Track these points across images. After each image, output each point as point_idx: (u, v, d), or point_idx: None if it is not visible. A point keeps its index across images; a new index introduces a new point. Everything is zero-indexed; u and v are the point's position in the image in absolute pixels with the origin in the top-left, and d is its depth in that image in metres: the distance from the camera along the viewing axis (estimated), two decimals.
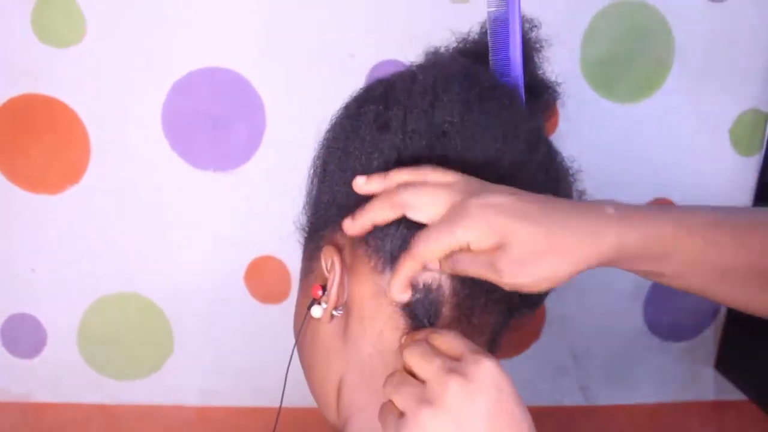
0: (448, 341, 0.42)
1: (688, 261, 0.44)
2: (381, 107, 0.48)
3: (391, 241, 0.45)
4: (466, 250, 0.42)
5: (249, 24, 0.93)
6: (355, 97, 0.53)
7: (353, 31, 0.92)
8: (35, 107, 0.94)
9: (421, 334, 0.44)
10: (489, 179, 0.45)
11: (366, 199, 0.45)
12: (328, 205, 0.50)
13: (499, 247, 0.42)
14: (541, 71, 0.57)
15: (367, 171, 0.46)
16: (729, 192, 1.05)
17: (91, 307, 1.03)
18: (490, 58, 0.52)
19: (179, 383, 1.07)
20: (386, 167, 0.46)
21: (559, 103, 0.99)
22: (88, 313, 1.03)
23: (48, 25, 0.91)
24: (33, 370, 1.05)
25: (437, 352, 0.41)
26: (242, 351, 1.05)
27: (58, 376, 1.06)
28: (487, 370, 0.41)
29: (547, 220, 0.42)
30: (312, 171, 0.53)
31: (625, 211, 0.44)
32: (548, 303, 1.09)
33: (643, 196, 1.04)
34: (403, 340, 0.46)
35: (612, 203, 0.45)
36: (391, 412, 0.40)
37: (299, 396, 0.57)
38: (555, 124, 0.99)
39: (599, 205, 0.44)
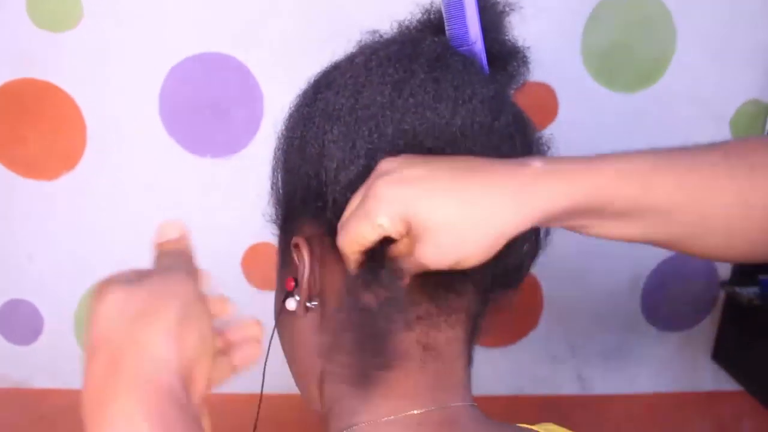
0: None
1: (621, 210, 0.41)
2: (329, 93, 0.47)
3: None
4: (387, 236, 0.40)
5: (247, 9, 0.92)
6: (311, 82, 0.51)
7: (354, 16, 0.92)
8: (31, 92, 0.94)
9: None
10: (438, 147, 0.43)
11: (328, 191, 0.44)
12: (293, 197, 0.48)
13: (412, 229, 0.39)
14: (508, 37, 0.53)
15: (325, 161, 0.45)
16: None
17: (87, 293, 1.03)
18: (446, 29, 0.50)
19: None
20: (343, 157, 0.44)
21: (559, 91, 0.99)
22: (84, 299, 1.03)
23: (44, 9, 0.90)
24: (30, 356, 1.05)
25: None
26: None
27: (56, 362, 1.06)
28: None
29: (459, 188, 0.39)
30: (274, 162, 0.52)
31: (555, 164, 0.40)
32: (546, 292, 1.09)
33: None
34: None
35: (540, 158, 0.41)
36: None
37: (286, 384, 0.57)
38: (555, 113, 0.99)
39: (524, 161, 0.41)
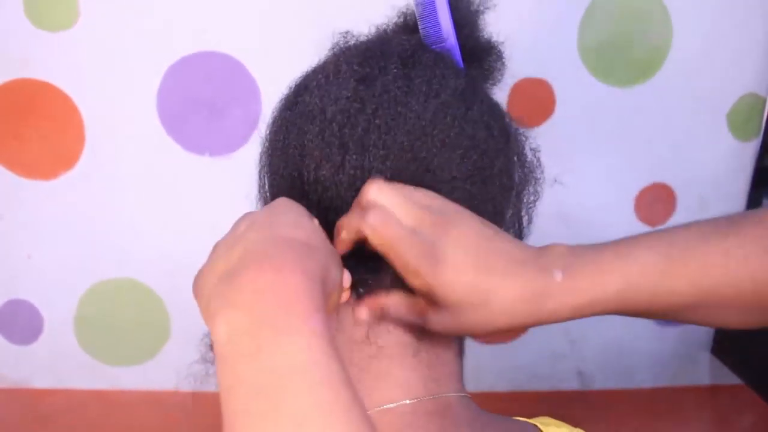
0: None
1: (641, 305, 0.44)
2: (306, 96, 0.48)
3: (337, 215, 0.45)
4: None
5: (244, 8, 0.92)
6: (292, 87, 0.52)
7: (350, 15, 0.92)
8: (29, 92, 0.94)
9: None
10: (410, 141, 0.44)
11: (310, 190, 0.45)
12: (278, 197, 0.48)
13: (432, 255, 0.41)
14: (483, 34, 0.54)
15: (306, 160, 0.46)
16: (726, 176, 1.05)
17: (87, 292, 1.03)
18: (420, 28, 0.51)
19: (176, 368, 1.06)
20: (320, 155, 0.45)
21: (556, 86, 0.99)
22: (84, 298, 1.03)
23: (41, 9, 0.90)
24: (30, 356, 1.06)
25: None
26: None
27: (56, 362, 1.06)
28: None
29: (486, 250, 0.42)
30: (259, 166, 0.53)
31: (570, 277, 0.43)
32: None
33: (641, 180, 1.04)
34: None
35: (561, 259, 0.43)
36: None
37: None
38: (552, 108, 0.99)
39: (546, 260, 0.43)
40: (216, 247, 0.43)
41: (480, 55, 0.53)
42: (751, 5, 0.98)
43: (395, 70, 0.46)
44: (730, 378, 1.12)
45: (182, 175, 0.98)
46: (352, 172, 0.44)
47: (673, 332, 1.14)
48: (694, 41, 0.98)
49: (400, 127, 0.44)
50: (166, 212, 1.00)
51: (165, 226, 1.00)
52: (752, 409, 1.14)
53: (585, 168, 1.01)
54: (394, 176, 0.44)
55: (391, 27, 0.56)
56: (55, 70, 0.93)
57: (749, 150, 1.04)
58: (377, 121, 0.44)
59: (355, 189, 0.44)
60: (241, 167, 1.00)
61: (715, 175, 1.05)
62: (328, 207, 0.45)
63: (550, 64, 0.97)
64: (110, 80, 0.94)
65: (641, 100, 1.00)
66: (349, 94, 0.45)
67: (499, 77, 0.54)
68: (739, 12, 0.98)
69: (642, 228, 1.07)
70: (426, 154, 0.44)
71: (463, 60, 0.51)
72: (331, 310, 0.38)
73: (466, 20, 0.52)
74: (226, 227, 1.07)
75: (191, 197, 0.99)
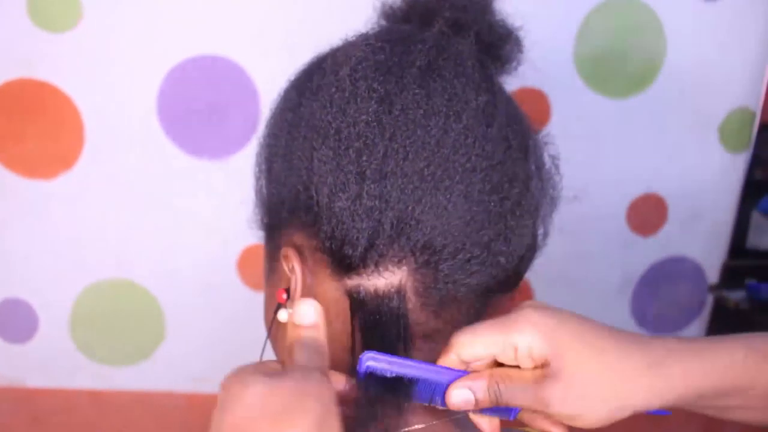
0: None
1: (721, 396, 0.43)
2: (315, 104, 0.45)
3: (352, 247, 0.42)
4: (511, 361, 0.42)
5: (244, 12, 0.93)
6: (293, 83, 0.49)
7: (349, 17, 0.92)
8: (30, 92, 0.94)
9: None
10: (429, 167, 0.42)
11: (323, 217, 0.43)
12: (280, 206, 0.47)
13: (546, 366, 0.41)
14: (500, 19, 0.51)
15: (315, 179, 0.43)
16: (717, 188, 1.06)
17: (83, 293, 1.03)
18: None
19: (171, 369, 1.07)
20: (334, 181, 0.42)
21: (551, 97, 1.01)
22: (80, 299, 1.03)
23: (44, 9, 0.91)
24: (25, 355, 1.06)
25: None
26: (234, 338, 1.05)
27: (50, 362, 1.06)
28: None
29: (607, 343, 0.42)
30: (257, 168, 0.50)
31: (688, 342, 0.44)
32: (537, 297, 1.10)
33: (633, 190, 1.06)
34: None
35: (675, 338, 0.44)
36: None
37: None
38: (547, 118, 1.00)
39: (660, 337, 0.44)
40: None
41: (498, 45, 0.51)
42: (743, 21, 0.99)
43: (415, 89, 0.43)
44: None
45: (180, 178, 0.98)
46: (370, 203, 0.42)
47: None
48: (688, 56, 1.00)
49: (419, 153, 0.42)
50: (163, 214, 1.00)
51: (162, 228, 1.01)
52: None
53: (578, 177, 1.02)
54: (414, 206, 0.42)
55: (398, 5, 0.53)
56: (56, 71, 0.94)
57: (739, 162, 1.05)
58: (395, 146, 0.42)
59: (374, 220, 0.42)
60: (240, 170, 1.01)
61: (706, 186, 1.06)
62: (342, 239, 0.42)
63: (547, 74, 0.98)
64: (111, 82, 0.95)
65: (635, 111, 1.01)
66: (370, 118, 0.43)
67: (516, 65, 0.52)
68: (731, 28, 1.00)
69: (634, 237, 1.08)
70: (448, 182, 0.42)
71: (481, 52, 0.49)
72: None
73: (482, 6, 0.50)
74: (222, 230, 1.07)
75: (189, 199, 1.00)
